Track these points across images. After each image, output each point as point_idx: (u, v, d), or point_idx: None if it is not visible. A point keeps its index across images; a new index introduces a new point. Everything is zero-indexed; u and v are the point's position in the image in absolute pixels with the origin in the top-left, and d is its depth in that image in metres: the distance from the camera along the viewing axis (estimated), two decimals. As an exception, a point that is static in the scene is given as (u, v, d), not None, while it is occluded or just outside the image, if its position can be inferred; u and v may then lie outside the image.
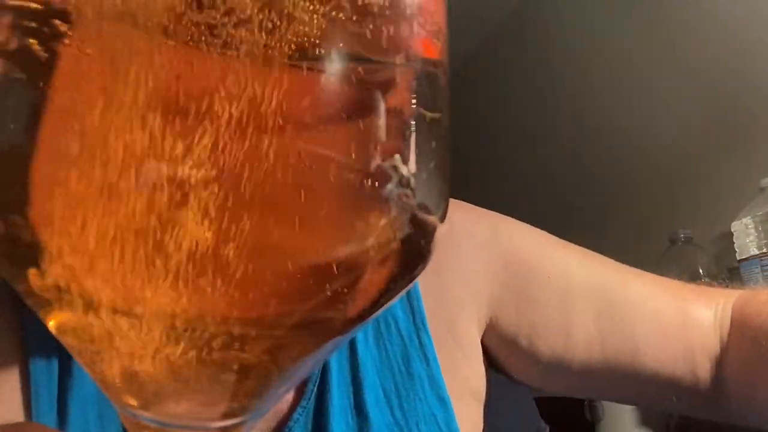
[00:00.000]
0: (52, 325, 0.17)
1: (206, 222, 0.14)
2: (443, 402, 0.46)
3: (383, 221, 0.16)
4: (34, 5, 0.15)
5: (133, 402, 0.17)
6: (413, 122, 0.17)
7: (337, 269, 0.16)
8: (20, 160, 0.15)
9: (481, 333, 0.50)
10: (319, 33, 0.15)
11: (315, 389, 0.44)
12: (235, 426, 0.18)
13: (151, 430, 0.17)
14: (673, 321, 0.47)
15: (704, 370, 0.46)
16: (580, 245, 0.53)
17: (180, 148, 0.14)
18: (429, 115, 0.17)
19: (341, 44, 0.16)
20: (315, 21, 0.15)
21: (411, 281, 0.18)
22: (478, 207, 0.53)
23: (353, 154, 0.16)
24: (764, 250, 1.24)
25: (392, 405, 0.45)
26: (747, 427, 0.46)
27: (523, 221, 0.54)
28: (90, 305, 0.15)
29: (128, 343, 0.16)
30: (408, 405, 0.45)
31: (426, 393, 0.46)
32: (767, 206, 1.26)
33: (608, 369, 0.48)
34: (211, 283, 0.15)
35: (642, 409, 1.46)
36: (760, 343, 0.43)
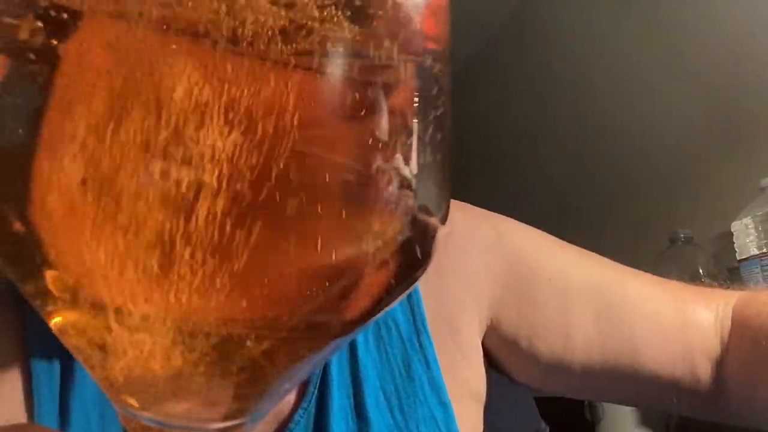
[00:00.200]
0: (53, 324, 0.17)
1: (207, 224, 0.14)
2: (443, 404, 0.46)
3: (384, 223, 0.16)
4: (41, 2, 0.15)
5: (133, 402, 0.17)
6: (415, 123, 0.17)
7: (337, 271, 0.16)
8: (23, 160, 0.15)
9: (482, 335, 0.50)
10: (319, 33, 0.15)
11: (315, 391, 0.44)
12: (236, 427, 0.18)
13: (151, 431, 0.17)
14: (673, 322, 0.47)
15: (704, 371, 0.46)
16: (579, 245, 0.53)
17: (181, 149, 0.14)
18: (431, 115, 0.17)
19: (342, 44, 0.16)
20: (316, 21, 0.15)
21: (412, 283, 0.18)
22: (478, 208, 0.53)
23: (354, 155, 0.16)
24: (764, 250, 1.24)
25: (392, 407, 0.45)
26: (747, 428, 0.46)
27: (523, 221, 0.54)
28: (91, 305, 0.16)
29: (129, 344, 0.16)
30: (408, 407, 0.45)
31: (426, 395, 0.46)
32: (767, 206, 1.26)
33: (608, 370, 0.48)
34: (212, 285, 0.15)
35: (642, 409, 1.46)
36: (760, 344, 0.43)
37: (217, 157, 0.14)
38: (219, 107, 0.14)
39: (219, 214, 0.14)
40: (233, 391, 0.17)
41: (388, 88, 0.16)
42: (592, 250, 0.53)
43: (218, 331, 0.15)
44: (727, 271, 1.40)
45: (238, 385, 0.17)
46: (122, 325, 0.15)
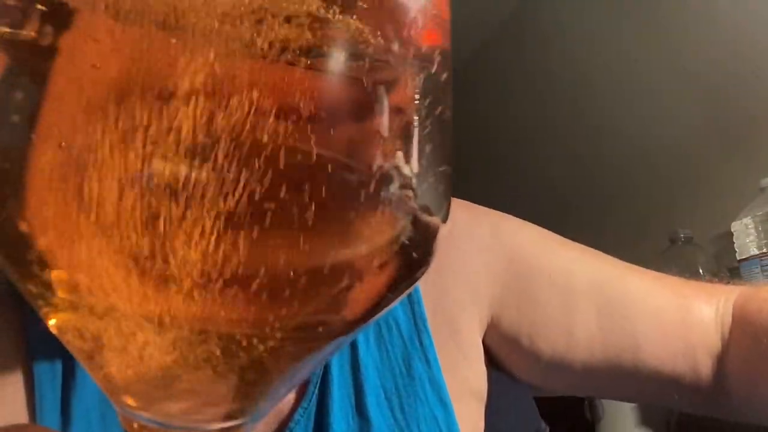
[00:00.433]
0: (53, 324, 0.17)
1: (206, 224, 0.14)
2: (444, 403, 0.46)
3: (385, 223, 0.16)
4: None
5: (132, 402, 0.17)
6: (416, 122, 0.17)
7: (338, 271, 0.16)
8: (21, 158, 0.15)
9: (483, 333, 0.50)
10: (320, 31, 0.15)
11: (316, 390, 0.44)
12: (236, 427, 0.18)
13: (150, 431, 0.17)
14: (674, 318, 0.47)
15: (705, 367, 0.46)
16: (580, 245, 0.53)
17: (179, 149, 0.14)
18: (432, 115, 0.17)
19: (343, 43, 0.15)
20: (317, 20, 0.15)
21: (413, 283, 0.18)
22: (478, 206, 0.53)
23: (355, 155, 0.16)
24: (764, 250, 1.24)
25: (393, 406, 0.45)
26: (749, 427, 0.46)
27: (523, 221, 0.54)
28: (90, 305, 0.15)
29: (128, 344, 0.16)
30: (409, 406, 0.45)
31: (427, 394, 0.46)
32: (767, 206, 1.26)
33: (609, 367, 0.48)
34: (212, 285, 0.15)
35: (642, 409, 1.46)
36: (761, 340, 0.43)
37: (215, 157, 0.14)
38: (218, 108, 0.14)
39: (219, 213, 0.14)
40: (233, 392, 0.17)
41: (389, 87, 0.16)
42: (594, 251, 0.53)
43: (218, 331, 0.15)
44: (728, 271, 1.40)
45: (238, 386, 0.17)
46: (121, 325, 0.15)
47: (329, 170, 0.15)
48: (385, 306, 0.18)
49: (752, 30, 1.49)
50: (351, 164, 0.15)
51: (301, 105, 0.15)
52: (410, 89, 0.17)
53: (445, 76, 0.18)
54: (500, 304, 0.49)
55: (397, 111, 0.16)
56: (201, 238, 0.14)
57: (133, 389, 0.17)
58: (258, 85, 0.15)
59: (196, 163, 0.14)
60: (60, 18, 0.15)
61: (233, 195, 0.14)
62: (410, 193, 0.16)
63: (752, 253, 1.26)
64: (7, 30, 0.15)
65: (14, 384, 0.40)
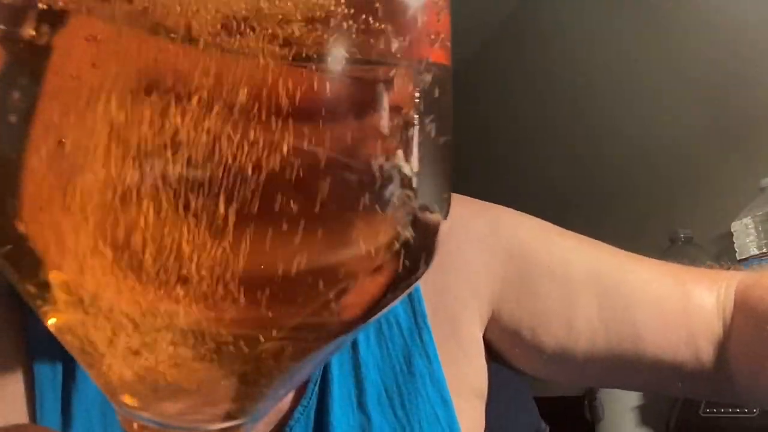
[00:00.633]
0: (51, 324, 0.17)
1: (205, 224, 0.14)
2: (445, 400, 0.46)
3: (385, 223, 0.16)
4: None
5: (131, 402, 0.17)
6: (416, 121, 0.17)
7: (338, 271, 0.16)
8: (19, 161, 0.15)
9: (483, 328, 0.50)
10: (321, 32, 0.15)
11: (316, 389, 0.44)
12: (235, 427, 0.18)
13: (150, 431, 0.17)
14: (675, 306, 0.47)
15: (707, 354, 0.46)
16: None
17: (178, 149, 0.14)
18: (432, 114, 0.17)
19: (343, 43, 0.15)
20: (317, 20, 0.15)
21: (414, 282, 0.18)
22: (476, 200, 0.53)
23: (355, 154, 0.16)
24: (764, 250, 1.24)
25: (394, 404, 0.45)
26: (748, 427, 0.46)
27: (522, 220, 0.54)
28: (88, 305, 0.15)
29: (127, 344, 0.16)
30: (410, 404, 0.45)
31: (428, 391, 0.45)
32: (767, 206, 1.25)
33: (612, 357, 0.48)
34: (211, 285, 0.15)
35: (642, 409, 1.46)
36: (764, 328, 0.42)
37: (214, 157, 0.14)
38: (217, 107, 0.14)
39: (218, 213, 0.14)
40: (233, 392, 0.17)
41: (388, 86, 0.16)
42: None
43: (218, 331, 0.15)
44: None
45: (238, 386, 0.17)
46: (120, 325, 0.15)
47: (329, 170, 0.15)
48: (386, 306, 0.18)
49: (752, 30, 1.49)
50: (351, 164, 0.15)
51: (301, 104, 0.15)
52: (410, 88, 0.17)
53: (445, 75, 0.18)
54: (500, 298, 0.49)
55: (396, 110, 0.16)
56: (200, 238, 0.14)
57: (133, 389, 0.17)
58: (257, 85, 0.15)
59: (194, 163, 0.14)
60: (56, 18, 0.15)
61: (232, 195, 0.14)
62: (410, 192, 0.16)
63: (752, 253, 1.26)
64: (3, 28, 0.15)
65: (14, 384, 0.40)
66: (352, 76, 0.16)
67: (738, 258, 1.30)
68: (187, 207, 0.14)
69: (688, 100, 1.68)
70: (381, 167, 0.16)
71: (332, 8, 0.15)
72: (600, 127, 1.98)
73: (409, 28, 0.17)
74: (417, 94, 0.17)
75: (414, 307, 0.48)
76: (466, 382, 0.48)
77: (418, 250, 0.17)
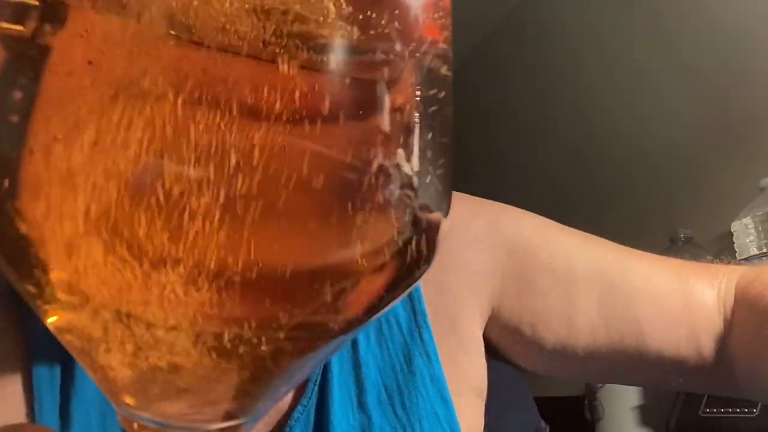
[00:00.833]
0: (50, 324, 0.17)
1: (205, 223, 0.14)
2: (444, 399, 0.46)
3: (385, 223, 0.16)
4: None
5: (131, 402, 0.17)
6: (416, 120, 0.17)
7: (338, 271, 0.16)
8: (18, 161, 0.15)
9: (483, 327, 0.50)
10: (320, 29, 0.15)
11: (316, 388, 0.44)
12: (235, 427, 0.18)
13: (149, 431, 0.17)
14: (676, 303, 0.47)
15: (709, 350, 0.46)
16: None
17: (177, 148, 0.14)
18: (432, 112, 0.17)
19: (344, 40, 0.15)
20: (315, 17, 0.15)
21: (414, 283, 0.18)
22: (475, 197, 0.53)
23: (355, 153, 0.15)
24: (764, 250, 1.24)
25: (394, 403, 0.45)
26: (748, 427, 0.46)
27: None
28: (88, 305, 0.15)
29: (126, 344, 0.16)
30: (410, 403, 0.45)
31: (428, 390, 0.45)
32: (767, 206, 1.26)
33: (613, 352, 0.48)
34: (211, 285, 0.15)
35: (642, 409, 1.46)
36: (765, 326, 0.43)
37: (213, 155, 0.14)
38: (215, 105, 0.14)
39: (217, 213, 0.14)
40: (233, 391, 0.17)
41: (389, 85, 0.16)
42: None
43: (218, 330, 0.15)
44: (728, 270, 1.40)
45: (238, 385, 0.17)
46: (119, 324, 0.15)
47: (329, 169, 0.15)
48: (386, 305, 0.17)
49: (753, 29, 1.49)
50: (351, 163, 0.15)
51: (301, 103, 0.15)
52: (410, 87, 0.17)
53: (445, 73, 0.18)
54: (500, 294, 0.49)
55: (397, 109, 0.16)
56: (200, 237, 0.14)
57: (132, 389, 0.17)
58: (256, 83, 0.14)
59: (194, 162, 0.14)
60: (56, 14, 0.15)
61: (231, 194, 0.14)
62: (411, 191, 0.16)
63: (752, 252, 1.26)
64: (2, 26, 0.15)
65: (13, 384, 0.40)
66: (352, 76, 0.16)
67: (738, 258, 1.30)
68: (186, 206, 0.14)
69: (689, 100, 1.68)
70: (381, 167, 0.16)
71: (333, 7, 0.15)
72: (600, 126, 1.98)
73: (410, 27, 0.17)
74: (417, 93, 0.17)
75: (414, 306, 0.48)
76: (466, 381, 0.48)
77: (418, 249, 0.17)
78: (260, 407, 0.18)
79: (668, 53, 1.71)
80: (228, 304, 0.15)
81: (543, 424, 1.13)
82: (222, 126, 0.14)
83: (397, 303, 0.47)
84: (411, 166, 0.16)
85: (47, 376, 0.40)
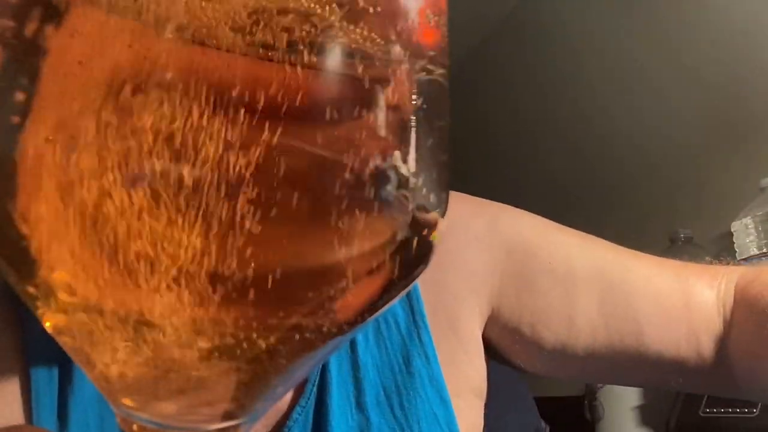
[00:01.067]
0: (49, 325, 0.17)
1: (202, 224, 0.14)
2: (443, 400, 0.46)
3: (382, 223, 0.16)
4: None
5: (129, 402, 0.17)
6: (413, 120, 0.17)
7: (335, 272, 0.16)
8: (17, 162, 0.15)
9: (482, 327, 0.50)
10: (317, 30, 0.15)
11: (314, 389, 0.44)
12: (234, 427, 0.18)
13: (148, 431, 0.17)
14: (676, 303, 0.47)
15: (708, 350, 0.46)
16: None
17: (173, 149, 0.14)
18: (429, 112, 0.17)
19: (340, 41, 0.15)
20: (313, 18, 0.15)
21: (411, 282, 0.18)
22: (474, 197, 0.53)
23: (351, 154, 0.15)
24: (764, 250, 1.24)
25: (393, 404, 0.45)
26: (749, 427, 0.46)
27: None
28: (86, 306, 0.15)
29: (124, 344, 0.16)
30: (409, 404, 0.45)
31: (426, 391, 0.45)
32: (767, 206, 1.25)
33: (613, 353, 0.48)
34: (208, 285, 0.15)
35: (642, 409, 1.46)
36: (764, 326, 0.43)
37: (209, 156, 0.14)
38: (211, 106, 0.14)
39: (213, 214, 0.14)
40: (231, 392, 0.17)
41: (385, 86, 0.16)
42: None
43: (215, 331, 0.15)
44: (728, 271, 1.40)
45: (236, 385, 0.17)
46: (117, 325, 0.15)
47: (326, 170, 0.15)
48: (384, 305, 0.17)
49: (753, 29, 1.49)
50: (348, 164, 0.15)
51: (297, 103, 0.15)
52: (407, 87, 0.17)
53: (442, 73, 0.18)
54: (500, 294, 0.49)
55: (394, 109, 0.16)
56: (196, 239, 0.14)
57: (131, 390, 0.17)
58: (252, 83, 0.14)
59: (189, 162, 0.14)
60: (53, 15, 0.15)
61: (227, 195, 0.14)
62: (408, 192, 0.16)
63: (752, 252, 1.26)
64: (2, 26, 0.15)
65: (11, 384, 0.40)
66: (349, 76, 0.16)
67: (738, 258, 1.30)
68: (183, 207, 0.14)
69: (689, 100, 1.68)
70: (378, 168, 0.16)
71: (330, 7, 0.15)
72: (600, 126, 1.98)
73: (407, 28, 0.17)
74: (414, 93, 0.17)
75: (412, 306, 0.47)
76: (465, 381, 0.48)
77: (416, 249, 0.17)
78: (259, 407, 0.18)
79: (668, 53, 1.71)
80: (226, 305, 0.15)
81: (543, 424, 1.13)
82: (216, 126, 0.14)
83: (396, 303, 0.47)
84: (408, 167, 0.16)
85: (45, 377, 0.40)
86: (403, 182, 0.16)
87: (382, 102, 0.16)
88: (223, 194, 0.14)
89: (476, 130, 2.29)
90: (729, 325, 0.46)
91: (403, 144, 0.16)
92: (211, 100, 0.14)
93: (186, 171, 0.14)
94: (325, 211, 0.15)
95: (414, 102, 0.17)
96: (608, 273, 0.49)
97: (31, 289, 0.16)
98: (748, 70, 1.51)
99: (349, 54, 0.16)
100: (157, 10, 0.14)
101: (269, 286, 0.15)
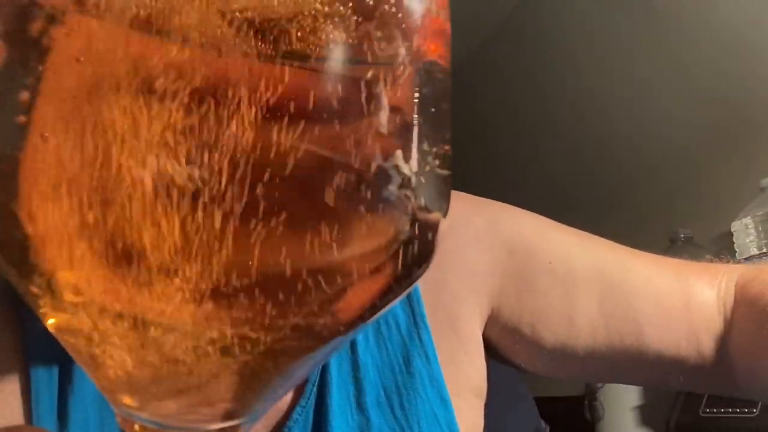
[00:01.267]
0: (50, 324, 0.17)
1: (204, 224, 0.14)
2: (444, 400, 0.46)
3: (384, 223, 0.16)
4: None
5: (130, 402, 0.17)
6: (414, 121, 0.17)
7: (337, 272, 0.16)
8: (19, 162, 0.15)
9: (483, 326, 0.50)
10: (320, 31, 0.15)
11: (314, 389, 0.44)
12: (234, 427, 0.18)
13: (148, 431, 0.17)
14: (676, 302, 0.47)
15: (709, 349, 0.46)
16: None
17: (175, 149, 0.14)
18: (431, 113, 0.17)
19: (343, 42, 0.15)
20: (316, 19, 0.15)
21: (413, 282, 0.18)
22: (474, 196, 0.53)
23: (354, 154, 0.15)
24: (764, 250, 1.24)
25: (393, 404, 0.45)
26: (749, 427, 0.46)
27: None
28: (88, 306, 0.15)
29: (126, 344, 0.16)
30: (409, 404, 0.45)
31: (427, 391, 0.45)
32: (767, 206, 1.26)
33: (613, 352, 0.48)
34: (210, 285, 0.15)
35: (642, 409, 1.46)
36: (764, 325, 0.43)
37: (212, 157, 0.14)
38: (215, 107, 0.14)
39: (216, 214, 0.14)
40: (232, 391, 0.17)
41: (387, 86, 0.16)
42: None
43: (216, 331, 0.15)
44: (728, 271, 1.40)
45: (236, 385, 0.17)
46: (119, 325, 0.15)
47: (328, 170, 0.15)
48: (385, 306, 0.17)
49: (752, 30, 1.49)
50: (350, 164, 0.15)
51: (299, 104, 0.15)
52: (409, 88, 0.17)
53: (443, 74, 0.18)
54: (500, 294, 0.49)
55: (395, 110, 0.16)
56: (198, 239, 0.14)
57: (132, 389, 0.17)
58: (254, 84, 0.14)
59: (191, 163, 0.14)
60: (53, 15, 0.15)
61: (229, 195, 0.14)
62: (409, 192, 0.16)
63: (752, 252, 1.26)
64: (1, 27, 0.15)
65: (11, 384, 0.40)
66: (351, 76, 0.16)
67: (738, 258, 1.30)
68: (186, 208, 0.14)
69: (689, 101, 1.68)
70: (380, 167, 0.16)
71: (331, 7, 0.15)
72: (600, 127, 1.98)
73: (408, 28, 0.17)
74: (416, 94, 0.17)
75: (413, 306, 0.47)
76: (465, 381, 0.48)
77: (417, 249, 0.17)
78: (259, 407, 0.18)
79: (668, 54, 1.71)
80: (226, 305, 0.15)
81: (543, 424, 1.13)
82: (217, 126, 0.14)
83: (396, 304, 0.47)
84: (410, 166, 0.16)
85: (45, 376, 0.40)
86: (404, 182, 0.16)
87: (384, 101, 0.16)
88: (224, 194, 0.14)
89: (476, 131, 2.29)
90: (729, 325, 0.46)
91: (405, 145, 0.16)
92: (213, 100, 0.14)
93: (188, 170, 0.14)
94: (327, 211, 0.15)
95: (416, 102, 0.17)
96: (608, 273, 0.49)
97: (33, 288, 0.16)
98: (747, 70, 1.51)
99: (352, 53, 0.16)
100: (158, 10, 0.14)
101: (270, 286, 0.15)
